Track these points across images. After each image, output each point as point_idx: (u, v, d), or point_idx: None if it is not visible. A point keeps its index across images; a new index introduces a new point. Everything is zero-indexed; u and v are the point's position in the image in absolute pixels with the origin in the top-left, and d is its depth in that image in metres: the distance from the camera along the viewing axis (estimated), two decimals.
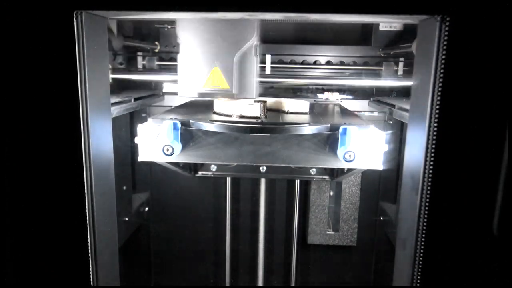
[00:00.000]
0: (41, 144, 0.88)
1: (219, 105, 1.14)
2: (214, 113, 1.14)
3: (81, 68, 0.85)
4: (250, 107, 1.06)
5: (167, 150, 0.97)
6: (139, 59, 1.65)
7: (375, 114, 1.64)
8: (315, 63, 1.69)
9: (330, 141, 1.01)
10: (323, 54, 1.68)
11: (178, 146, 0.97)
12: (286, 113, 1.18)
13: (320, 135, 1.00)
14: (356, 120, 1.07)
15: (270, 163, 1.02)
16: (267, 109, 1.13)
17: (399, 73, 1.61)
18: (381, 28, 1.61)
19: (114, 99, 1.21)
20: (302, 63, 1.68)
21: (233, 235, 1.71)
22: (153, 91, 1.66)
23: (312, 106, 1.29)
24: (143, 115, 1.66)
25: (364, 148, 0.95)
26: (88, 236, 0.92)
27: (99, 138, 0.93)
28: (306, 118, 1.13)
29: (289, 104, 1.19)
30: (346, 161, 0.95)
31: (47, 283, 0.95)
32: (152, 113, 1.67)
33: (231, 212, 1.62)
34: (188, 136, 1.02)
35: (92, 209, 0.91)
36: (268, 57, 1.52)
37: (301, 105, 1.19)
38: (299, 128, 0.97)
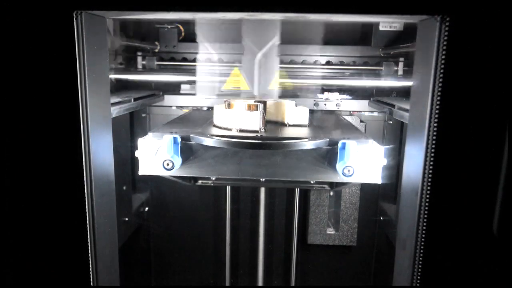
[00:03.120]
0: (41, 144, 0.88)
1: (219, 118, 1.14)
2: (214, 126, 1.15)
3: (81, 68, 0.85)
4: (249, 121, 1.06)
5: (167, 164, 0.97)
6: (139, 59, 1.65)
7: (375, 114, 1.64)
8: (315, 63, 1.69)
9: (329, 155, 1.01)
10: (323, 54, 1.68)
11: (178, 160, 0.98)
12: (285, 125, 1.18)
13: (320, 149, 1.00)
14: (355, 134, 1.07)
15: (269, 177, 1.03)
16: (267, 121, 1.13)
17: (399, 73, 1.61)
18: (381, 28, 1.61)
19: (114, 99, 1.21)
20: (302, 63, 1.68)
21: (233, 235, 1.71)
22: (153, 91, 1.66)
23: (311, 116, 1.30)
24: (143, 115, 1.66)
25: (363, 162, 0.96)
26: (88, 236, 0.92)
27: (99, 138, 0.93)
28: (305, 131, 1.13)
29: (289, 113, 1.19)
30: (345, 175, 0.96)
31: (47, 283, 0.95)
32: (152, 113, 1.68)
33: (231, 211, 1.63)
34: (188, 150, 1.02)
35: (92, 209, 0.91)
36: None
37: (301, 117, 1.19)
38: (299, 144, 0.97)
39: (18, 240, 0.93)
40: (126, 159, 1.53)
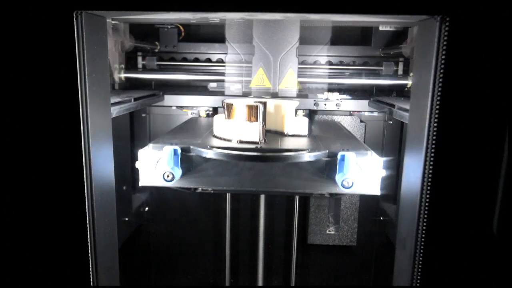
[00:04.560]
0: (41, 143, 0.88)
1: (219, 128, 1.14)
2: (214, 136, 1.15)
3: (81, 68, 0.85)
4: (249, 132, 1.06)
5: (167, 176, 0.97)
6: (139, 59, 1.65)
7: (375, 114, 1.64)
8: (315, 63, 1.69)
9: (328, 166, 1.01)
10: (323, 54, 1.68)
11: (178, 172, 0.98)
12: (285, 135, 1.18)
13: (319, 161, 1.00)
14: (354, 145, 1.06)
15: (269, 189, 1.02)
16: (266, 130, 1.13)
17: (399, 73, 1.61)
18: (381, 28, 1.61)
19: (114, 99, 1.21)
20: (302, 63, 1.68)
21: (233, 234, 1.71)
22: (153, 91, 1.66)
23: (311, 124, 1.30)
24: (143, 115, 1.66)
25: (362, 174, 0.96)
26: (88, 236, 0.92)
27: (99, 139, 0.93)
28: (305, 142, 1.12)
29: (288, 123, 1.19)
30: (344, 187, 0.95)
31: (47, 283, 0.95)
32: (152, 113, 1.67)
33: (231, 211, 1.63)
34: (188, 161, 1.02)
35: (92, 209, 0.91)
36: None
37: (300, 127, 1.19)
38: (298, 156, 0.97)
39: (19, 240, 0.93)
40: (126, 159, 1.53)
